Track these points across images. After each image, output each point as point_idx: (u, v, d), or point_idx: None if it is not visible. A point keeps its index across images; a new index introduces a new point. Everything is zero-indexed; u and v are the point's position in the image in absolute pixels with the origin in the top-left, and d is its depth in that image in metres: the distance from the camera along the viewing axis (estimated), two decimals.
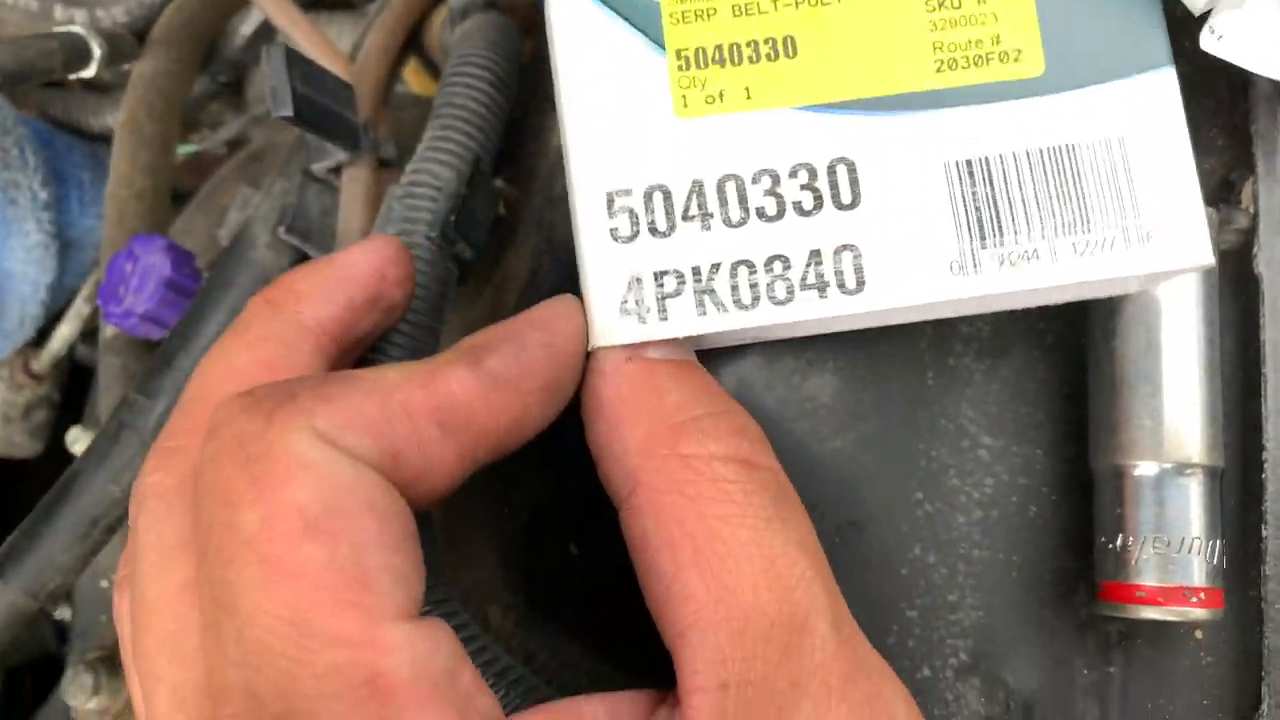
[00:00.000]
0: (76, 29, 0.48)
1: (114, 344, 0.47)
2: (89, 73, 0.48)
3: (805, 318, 0.27)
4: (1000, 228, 0.27)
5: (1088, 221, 0.27)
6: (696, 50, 0.29)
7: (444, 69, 0.43)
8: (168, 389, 0.38)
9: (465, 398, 0.24)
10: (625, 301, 0.28)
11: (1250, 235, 0.31)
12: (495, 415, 0.25)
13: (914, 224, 0.27)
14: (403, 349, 0.36)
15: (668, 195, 0.28)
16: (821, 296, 0.27)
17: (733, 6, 0.29)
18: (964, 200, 0.27)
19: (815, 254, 0.27)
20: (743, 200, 0.28)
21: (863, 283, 0.27)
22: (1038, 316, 0.34)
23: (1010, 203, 0.27)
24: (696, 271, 0.28)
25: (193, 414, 0.25)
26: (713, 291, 0.28)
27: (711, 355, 0.32)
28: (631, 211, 0.28)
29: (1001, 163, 0.27)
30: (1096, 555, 0.31)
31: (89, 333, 0.66)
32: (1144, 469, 0.30)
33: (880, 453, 0.33)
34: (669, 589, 0.23)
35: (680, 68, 0.29)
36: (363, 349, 0.30)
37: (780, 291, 0.27)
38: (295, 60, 0.35)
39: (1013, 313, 0.34)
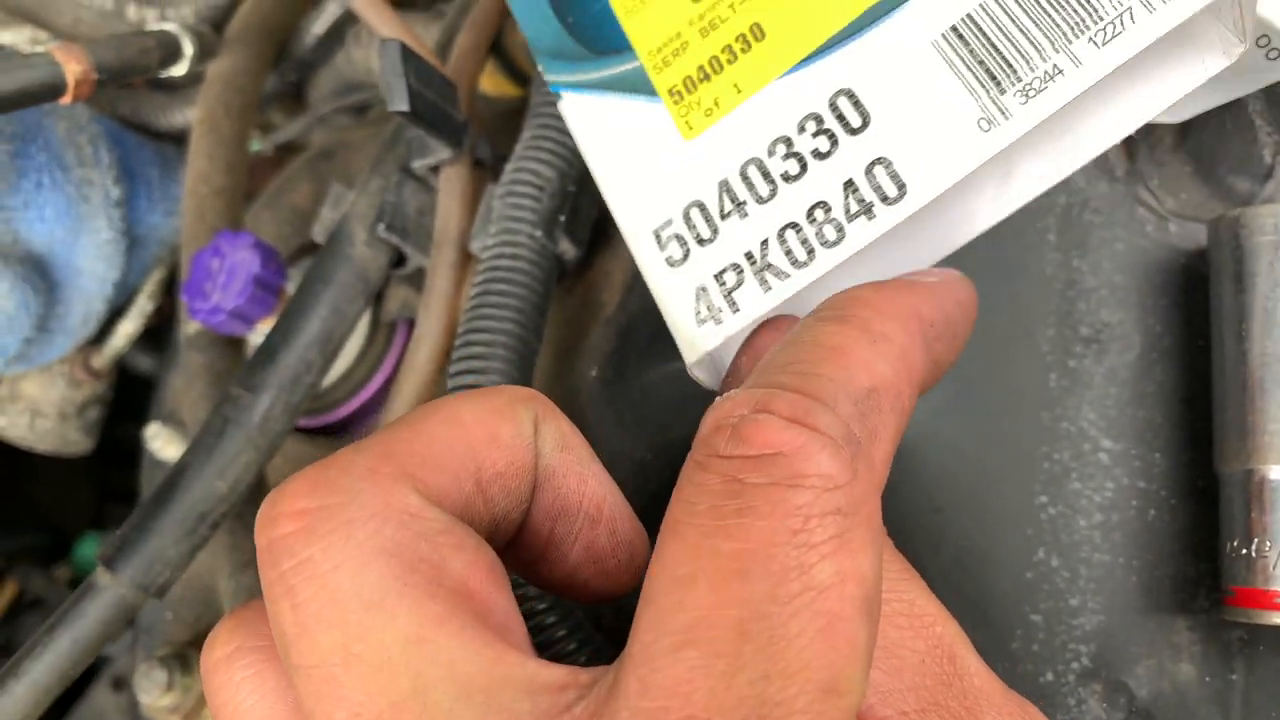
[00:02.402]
0: (169, 27, 0.48)
1: (197, 341, 0.47)
2: (180, 70, 0.48)
3: (861, 244, 0.27)
4: (1011, 66, 0.26)
5: (1095, 10, 0.26)
6: (684, 80, 0.31)
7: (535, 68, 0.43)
8: (271, 383, 0.37)
9: None
10: (699, 313, 0.30)
11: None
12: None
13: (928, 109, 0.27)
14: (509, 351, 0.36)
15: (702, 207, 0.30)
16: (870, 219, 0.27)
17: (699, 30, 0.31)
18: (965, 62, 0.27)
19: (849, 184, 0.28)
20: (766, 175, 0.29)
21: (903, 186, 0.27)
22: (1155, 319, 0.33)
23: (1010, 39, 0.26)
24: (750, 256, 0.29)
25: (396, 443, 0.22)
26: (770, 266, 0.29)
27: None
28: (678, 237, 0.30)
29: (984, 10, 0.27)
30: (1225, 560, 0.30)
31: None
32: (1278, 473, 0.30)
33: (1005, 455, 0.33)
34: None
35: (675, 101, 0.31)
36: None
37: (830, 233, 0.28)
38: (409, 56, 0.35)
39: (1131, 313, 0.33)
